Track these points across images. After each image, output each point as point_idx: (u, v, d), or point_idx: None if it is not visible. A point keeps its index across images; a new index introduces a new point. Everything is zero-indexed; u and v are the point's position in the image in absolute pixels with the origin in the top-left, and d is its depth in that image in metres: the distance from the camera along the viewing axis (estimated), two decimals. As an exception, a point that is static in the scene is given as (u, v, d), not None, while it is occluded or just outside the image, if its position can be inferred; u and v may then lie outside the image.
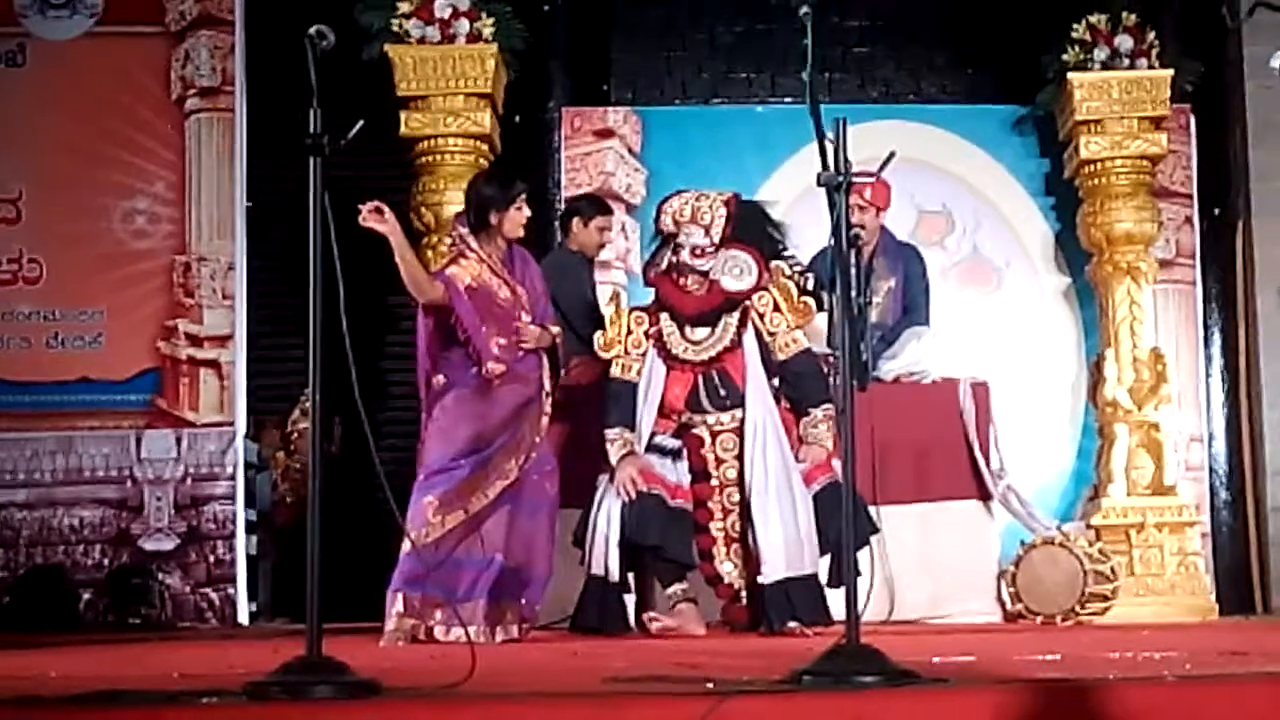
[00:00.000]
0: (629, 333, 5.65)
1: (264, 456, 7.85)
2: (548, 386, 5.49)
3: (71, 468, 7.19)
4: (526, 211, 5.55)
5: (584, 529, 5.51)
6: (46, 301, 7.27)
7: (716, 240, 5.51)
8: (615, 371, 5.64)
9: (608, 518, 5.40)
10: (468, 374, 5.37)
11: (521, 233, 5.56)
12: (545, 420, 5.47)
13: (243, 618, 7.20)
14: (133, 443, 7.20)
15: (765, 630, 5.37)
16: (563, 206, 7.66)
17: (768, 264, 5.63)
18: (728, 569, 5.49)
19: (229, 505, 7.19)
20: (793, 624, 5.30)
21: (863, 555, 5.43)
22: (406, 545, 5.22)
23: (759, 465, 5.41)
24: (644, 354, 5.61)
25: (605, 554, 5.39)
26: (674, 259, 5.53)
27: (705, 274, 5.53)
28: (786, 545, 5.33)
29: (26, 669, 4.05)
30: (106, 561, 7.14)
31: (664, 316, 5.61)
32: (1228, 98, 8.15)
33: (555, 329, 5.57)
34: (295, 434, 8.04)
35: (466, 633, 4.87)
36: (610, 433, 5.53)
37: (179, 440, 7.21)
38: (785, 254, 5.85)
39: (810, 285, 5.94)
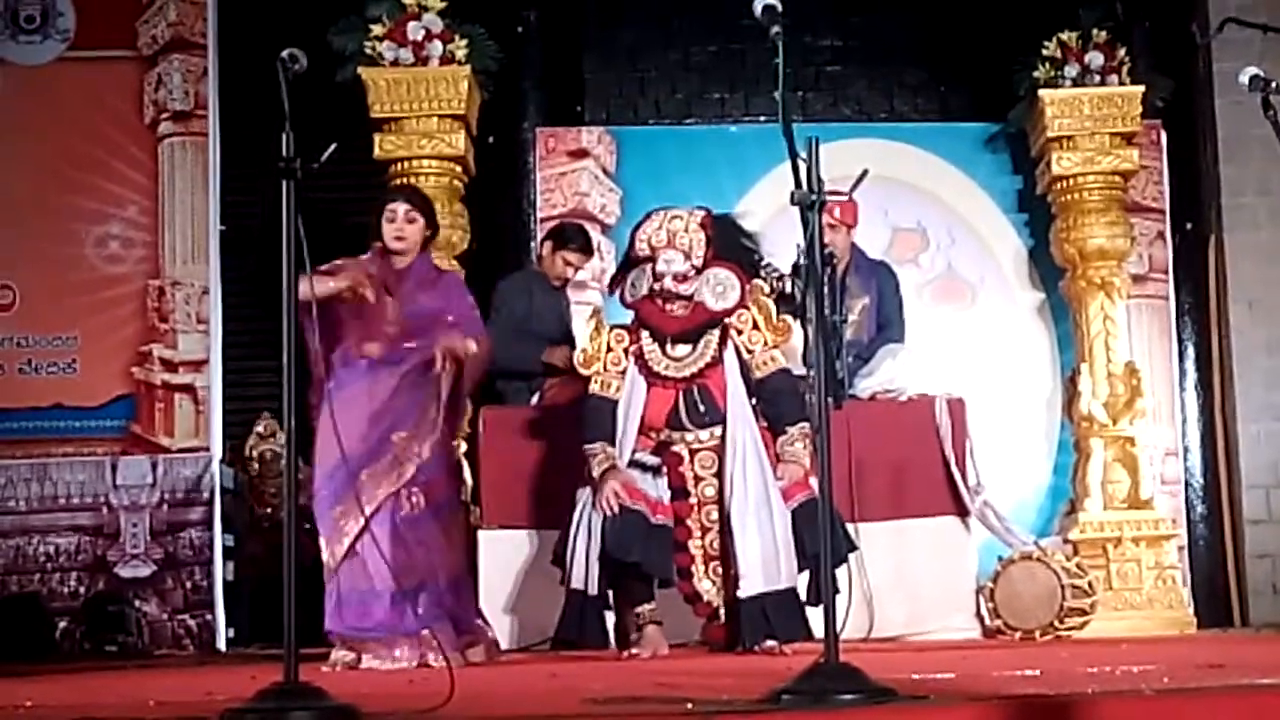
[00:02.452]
0: (609, 350, 5.65)
1: (240, 481, 7.82)
2: (438, 409, 5.35)
3: (46, 495, 7.16)
4: (397, 225, 5.42)
5: (564, 547, 5.49)
6: (19, 327, 7.24)
7: (698, 264, 5.50)
8: (594, 388, 5.63)
9: (588, 531, 5.38)
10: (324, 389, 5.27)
11: (394, 245, 5.44)
12: (432, 439, 5.32)
13: (221, 644, 7.16)
14: (108, 469, 7.17)
15: (742, 648, 5.36)
16: (545, 228, 7.70)
17: (749, 279, 5.64)
18: (706, 587, 5.48)
19: (205, 531, 7.16)
20: (770, 643, 5.30)
21: (841, 572, 5.45)
22: (327, 570, 5.17)
23: (739, 482, 5.40)
24: (623, 371, 5.60)
25: (585, 568, 5.37)
26: (655, 285, 5.51)
27: (688, 297, 5.52)
28: (764, 560, 5.33)
29: (2, 698, 4.02)
30: (83, 589, 7.10)
31: (645, 334, 5.60)
32: (1198, 113, 8.19)
33: (472, 345, 5.43)
34: (253, 456, 7.99)
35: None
36: (591, 447, 5.51)
37: (154, 466, 7.18)
38: (763, 264, 5.86)
39: (790, 288, 5.94)
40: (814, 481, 5.31)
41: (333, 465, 5.16)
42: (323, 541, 5.19)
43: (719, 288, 5.52)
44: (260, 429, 7.94)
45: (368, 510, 5.14)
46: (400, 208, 5.48)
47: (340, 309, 5.32)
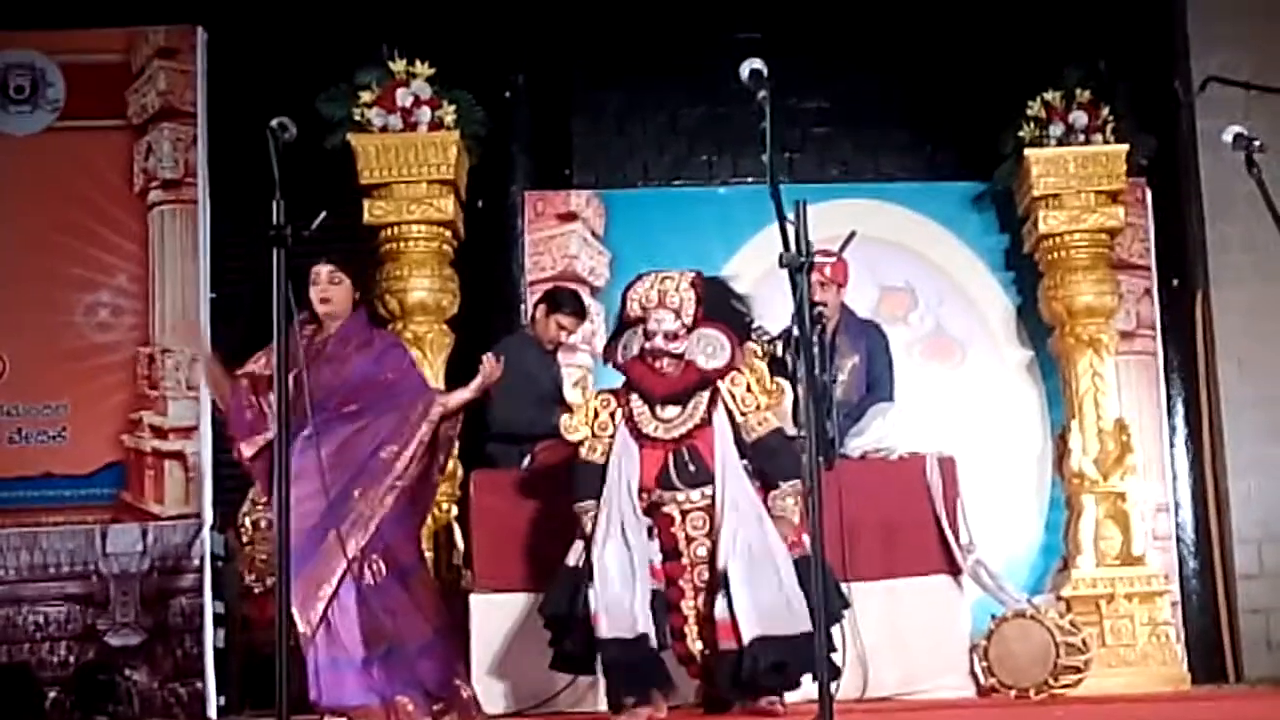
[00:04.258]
0: (595, 416, 5.65)
1: (230, 548, 7.79)
2: (403, 456, 5.32)
3: (36, 564, 7.13)
4: (321, 288, 5.34)
5: (558, 607, 5.45)
6: (9, 396, 7.23)
7: (689, 323, 5.52)
8: (582, 453, 5.64)
9: (606, 578, 5.34)
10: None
11: (320, 309, 5.37)
12: (391, 487, 5.28)
13: (211, 712, 7.12)
14: (98, 537, 7.14)
15: (739, 697, 5.32)
16: (535, 291, 7.73)
17: (740, 341, 5.65)
18: (699, 648, 5.46)
19: (196, 598, 7.13)
20: (767, 700, 5.27)
21: (834, 630, 5.43)
22: (304, 639, 5.14)
23: (739, 539, 5.36)
24: (611, 436, 5.61)
25: (631, 610, 5.31)
26: (646, 345, 5.53)
27: (679, 356, 5.54)
28: (772, 606, 5.25)
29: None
30: (73, 658, 7.06)
31: (634, 397, 5.61)
32: (1182, 171, 8.25)
33: (436, 409, 5.42)
34: (245, 525, 7.95)
35: None
36: (583, 505, 5.52)
37: (145, 533, 7.16)
38: (753, 326, 5.88)
39: (780, 351, 5.95)
40: (805, 537, 5.29)
41: (298, 533, 4.96)
42: (296, 610, 5.08)
43: (709, 348, 5.54)
44: (254, 495, 7.91)
45: (337, 574, 5.10)
46: (323, 270, 5.36)
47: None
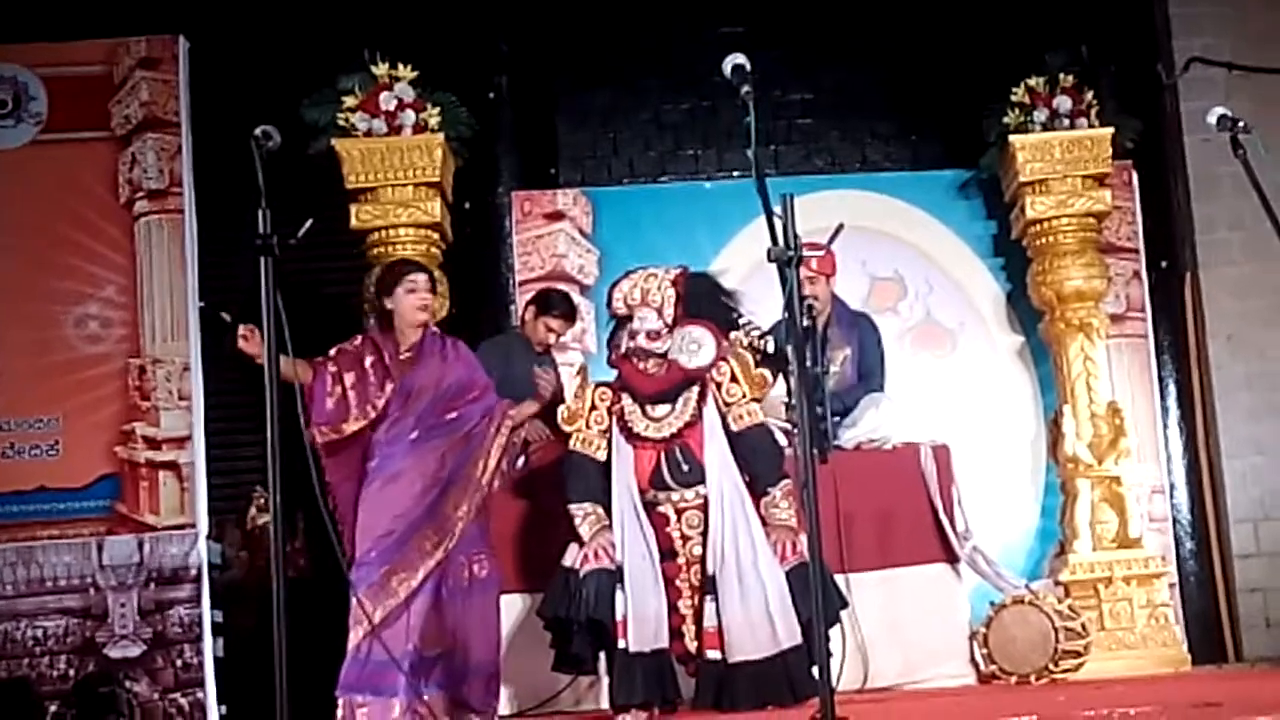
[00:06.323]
0: (593, 408, 5.66)
1: (227, 556, 7.78)
2: (485, 467, 5.48)
3: (33, 578, 7.10)
4: (421, 296, 5.59)
5: (557, 609, 5.45)
6: (0, 411, 7.22)
7: (669, 321, 5.52)
8: (575, 445, 5.63)
9: (634, 585, 5.36)
10: (362, 467, 5.47)
11: (418, 317, 5.61)
12: (477, 498, 5.48)
13: (213, 721, 7.11)
14: (94, 550, 7.12)
15: (719, 709, 5.33)
16: (524, 290, 7.73)
17: (726, 335, 5.65)
18: (695, 648, 5.45)
19: (194, 608, 7.12)
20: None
21: (833, 630, 5.43)
22: (351, 642, 5.22)
23: (728, 544, 5.37)
24: (605, 430, 5.60)
25: (655, 620, 5.35)
26: (631, 343, 5.54)
27: (663, 355, 5.54)
28: (753, 625, 5.29)
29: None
30: (72, 671, 7.04)
31: (625, 396, 5.61)
32: (1168, 153, 8.26)
33: (513, 413, 5.63)
34: (255, 530, 7.97)
35: None
36: (579, 507, 5.52)
37: (141, 545, 7.13)
38: (742, 321, 5.87)
39: (770, 348, 5.96)
40: (803, 538, 5.28)
41: (382, 531, 5.34)
42: (361, 600, 5.25)
43: (692, 345, 5.54)
44: (261, 501, 7.90)
45: (421, 572, 5.30)
46: (421, 278, 5.66)
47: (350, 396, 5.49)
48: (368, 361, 5.58)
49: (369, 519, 5.39)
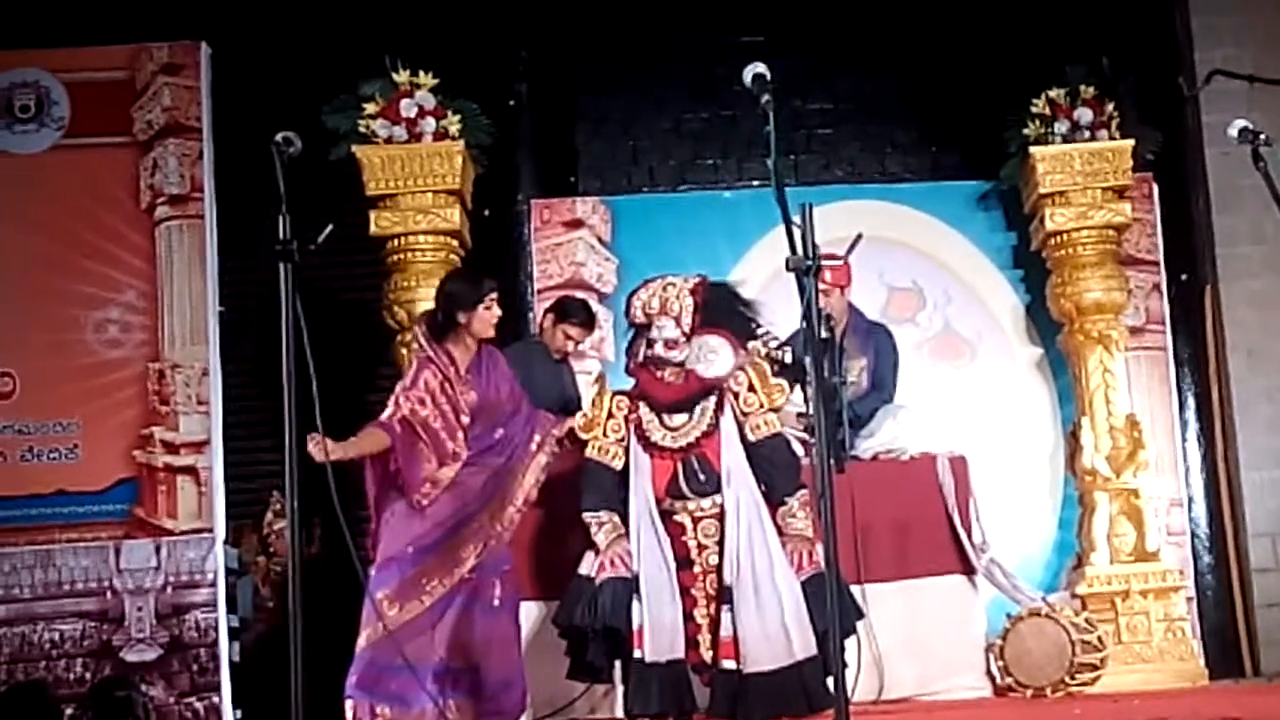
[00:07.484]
0: (610, 416, 5.66)
1: (244, 562, 7.80)
2: (525, 482, 5.49)
3: (51, 581, 7.13)
4: (496, 311, 5.57)
5: (573, 618, 5.45)
6: (20, 415, 7.23)
7: (687, 330, 5.52)
8: (591, 453, 5.64)
9: (651, 595, 5.37)
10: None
11: (491, 332, 5.59)
12: (514, 513, 5.49)
13: (228, 725, 7.13)
14: (112, 554, 7.15)
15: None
16: (542, 298, 7.73)
17: (743, 345, 5.64)
18: (711, 656, 5.44)
19: (211, 613, 7.13)
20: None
21: (849, 642, 5.42)
22: (361, 644, 5.21)
23: (743, 555, 5.37)
24: (621, 439, 5.61)
25: (672, 630, 5.36)
26: (649, 352, 5.54)
27: (681, 364, 5.54)
28: (768, 637, 5.29)
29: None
30: (89, 675, 7.06)
31: (642, 405, 5.61)
32: (1188, 165, 8.24)
33: (550, 440, 5.66)
34: (272, 535, 7.99)
35: None
36: (595, 515, 5.52)
37: (158, 549, 7.16)
38: (760, 331, 5.87)
39: (788, 359, 5.96)
40: (820, 549, 5.28)
41: (417, 534, 5.32)
42: (384, 599, 5.25)
43: (710, 355, 5.54)
44: (279, 506, 7.91)
45: (456, 576, 5.31)
46: (497, 293, 5.62)
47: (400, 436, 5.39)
48: (437, 391, 5.45)
49: (403, 520, 5.36)
